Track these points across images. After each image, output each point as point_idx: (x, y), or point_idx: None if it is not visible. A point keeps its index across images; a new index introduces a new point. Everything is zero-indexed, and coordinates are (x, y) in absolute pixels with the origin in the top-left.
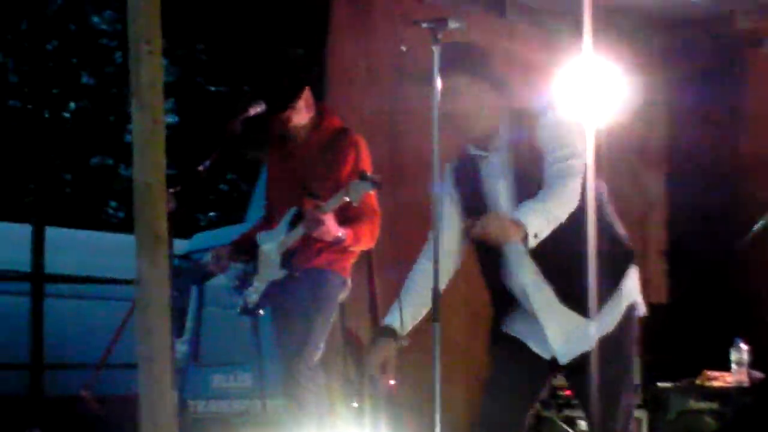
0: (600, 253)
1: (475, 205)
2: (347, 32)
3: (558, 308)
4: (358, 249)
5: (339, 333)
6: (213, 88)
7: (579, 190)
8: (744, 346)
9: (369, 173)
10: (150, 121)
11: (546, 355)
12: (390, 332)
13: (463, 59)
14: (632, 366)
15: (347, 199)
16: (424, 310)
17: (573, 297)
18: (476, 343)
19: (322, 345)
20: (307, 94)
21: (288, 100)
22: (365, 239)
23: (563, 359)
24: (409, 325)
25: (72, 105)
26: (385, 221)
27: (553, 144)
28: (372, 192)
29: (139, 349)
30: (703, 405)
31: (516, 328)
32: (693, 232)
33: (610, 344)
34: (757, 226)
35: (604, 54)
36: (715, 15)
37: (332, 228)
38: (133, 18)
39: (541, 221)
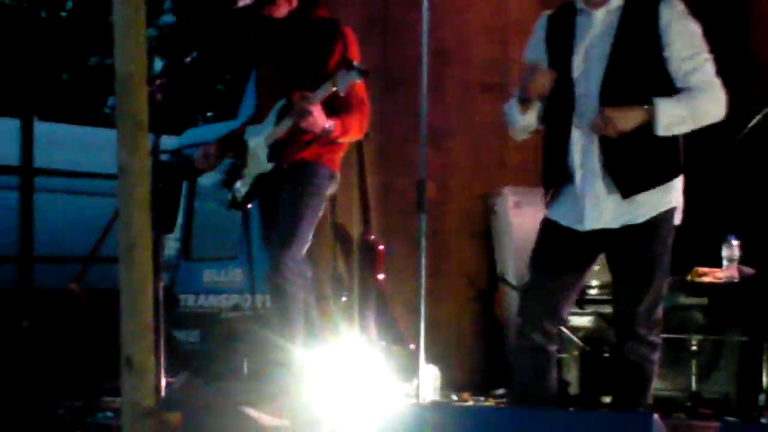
0: (658, 151)
1: (561, 60)
2: None
3: (600, 174)
4: (346, 140)
5: (329, 227)
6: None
7: (724, 98)
8: (735, 242)
9: (354, 63)
10: (131, 9)
11: (580, 227)
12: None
13: None
14: (667, 258)
15: (334, 89)
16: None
17: (617, 171)
18: (464, 238)
19: (309, 238)
20: None
21: None
22: (354, 130)
23: (586, 226)
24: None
25: (69, 4)
26: (377, 122)
27: (680, 40)
28: (359, 82)
29: (120, 237)
30: (694, 300)
31: (557, 211)
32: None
33: (649, 230)
34: (753, 122)
35: None
36: None
37: (320, 118)
38: None
39: (679, 111)
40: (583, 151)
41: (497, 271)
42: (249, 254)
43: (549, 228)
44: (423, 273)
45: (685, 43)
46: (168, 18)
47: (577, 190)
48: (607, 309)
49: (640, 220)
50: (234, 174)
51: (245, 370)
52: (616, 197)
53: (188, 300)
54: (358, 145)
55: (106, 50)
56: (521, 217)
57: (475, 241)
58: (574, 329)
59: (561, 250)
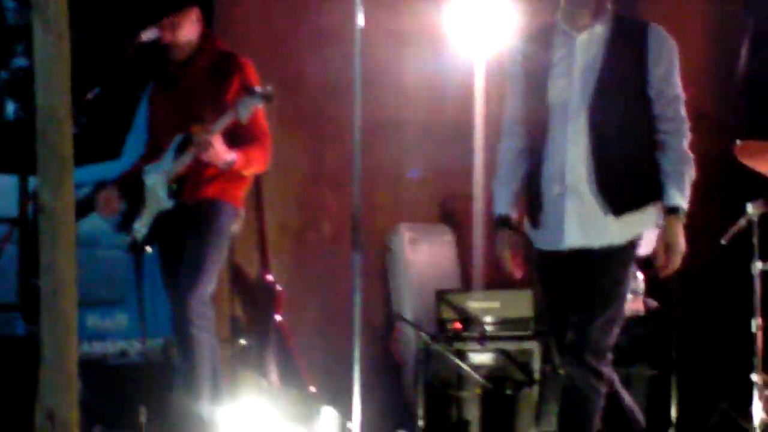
0: (646, 170)
1: (540, 80)
2: None
3: (588, 193)
4: (249, 173)
5: (226, 267)
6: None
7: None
8: (640, 276)
9: (256, 87)
10: (55, 40)
11: (557, 246)
12: (505, 220)
13: None
14: (628, 283)
15: (236, 117)
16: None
17: (610, 190)
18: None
19: (214, 279)
20: (196, 11)
21: (179, 6)
22: (257, 162)
23: (566, 244)
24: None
25: None
26: (279, 160)
27: (663, 70)
28: (261, 107)
29: (43, 283)
30: None
31: (539, 238)
32: None
33: (619, 254)
34: None
35: None
36: None
37: (221, 150)
38: None
39: (688, 191)
40: (566, 169)
41: (393, 310)
42: (140, 298)
43: (538, 257)
44: (358, 313)
45: (668, 73)
46: (21, 61)
47: (556, 210)
48: (509, 346)
49: (619, 241)
50: (131, 215)
51: (143, 419)
52: (602, 216)
53: None
54: (256, 182)
55: None
56: (417, 254)
57: (371, 280)
58: (475, 367)
59: (555, 279)
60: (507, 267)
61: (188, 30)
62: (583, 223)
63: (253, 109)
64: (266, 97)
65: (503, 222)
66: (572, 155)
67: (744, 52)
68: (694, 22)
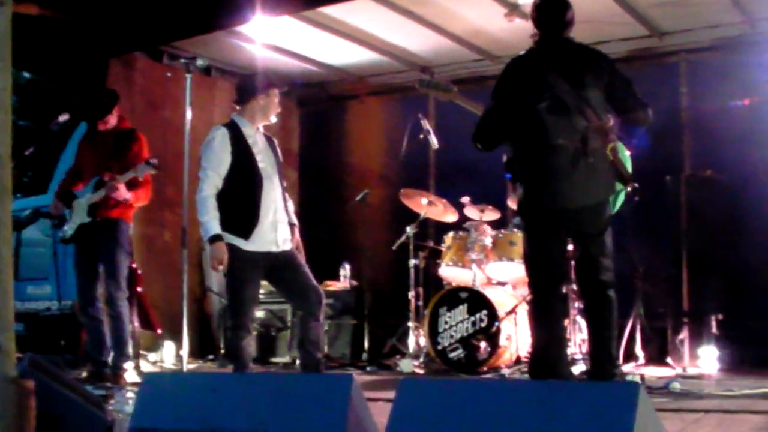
0: None
1: (247, 155)
2: (118, 82)
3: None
4: (137, 205)
5: None
6: (21, 123)
7: None
8: (347, 266)
9: (151, 160)
10: (2, 112)
11: (276, 249)
12: (218, 237)
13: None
14: None
15: (136, 176)
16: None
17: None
18: (189, 265)
19: (126, 272)
20: (116, 108)
21: (110, 108)
22: (142, 199)
23: (282, 247)
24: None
25: None
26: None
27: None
28: (153, 172)
29: None
30: (326, 300)
31: (254, 243)
32: (316, 202)
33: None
34: (357, 199)
35: None
36: (325, 79)
37: (123, 192)
38: None
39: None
40: (276, 205)
41: (206, 284)
42: (57, 276)
43: (249, 256)
44: (185, 287)
45: None
46: None
47: (269, 226)
48: (274, 307)
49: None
50: (63, 221)
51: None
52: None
53: (16, 305)
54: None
55: None
56: None
57: (194, 267)
58: (255, 319)
59: (265, 268)
60: (224, 268)
61: (112, 121)
62: (284, 235)
63: (147, 172)
64: (156, 167)
65: (220, 238)
66: (277, 198)
67: (405, 139)
68: (378, 123)
